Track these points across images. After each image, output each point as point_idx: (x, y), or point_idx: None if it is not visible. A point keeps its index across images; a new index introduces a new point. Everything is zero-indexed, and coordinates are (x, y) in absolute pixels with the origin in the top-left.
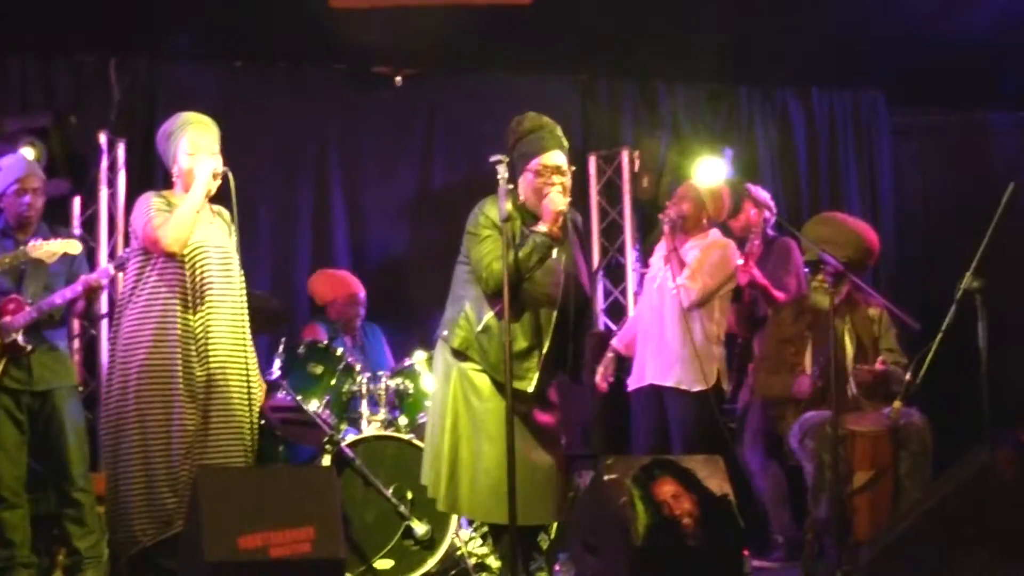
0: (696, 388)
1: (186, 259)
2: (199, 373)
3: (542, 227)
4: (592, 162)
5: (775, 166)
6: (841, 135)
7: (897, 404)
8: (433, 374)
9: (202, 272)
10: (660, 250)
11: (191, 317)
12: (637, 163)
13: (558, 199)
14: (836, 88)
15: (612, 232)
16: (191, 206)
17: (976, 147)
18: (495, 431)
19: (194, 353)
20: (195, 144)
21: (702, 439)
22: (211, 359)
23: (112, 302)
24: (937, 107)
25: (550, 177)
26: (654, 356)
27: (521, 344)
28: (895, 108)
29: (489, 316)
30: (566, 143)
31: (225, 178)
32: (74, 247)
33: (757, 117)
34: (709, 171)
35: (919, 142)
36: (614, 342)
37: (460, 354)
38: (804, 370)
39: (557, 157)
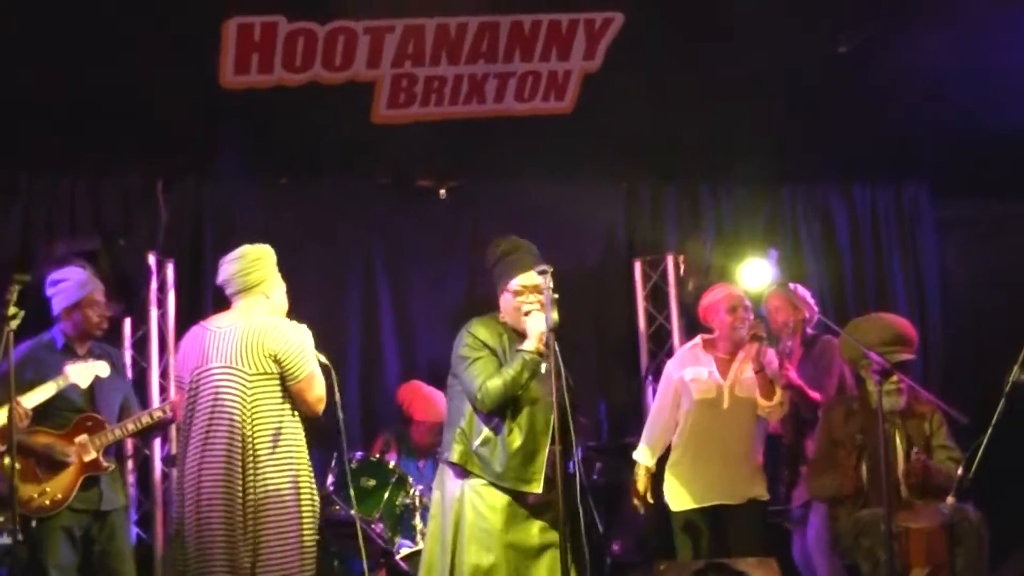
0: (767, 496)
1: None
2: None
3: (528, 345)
4: (637, 268)
5: (819, 262)
6: (884, 228)
7: (950, 500)
8: (434, 495)
9: None
10: (703, 361)
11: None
12: (682, 267)
13: (539, 320)
14: (878, 182)
15: (659, 337)
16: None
17: (1021, 238)
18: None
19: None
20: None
21: (767, 544)
22: None
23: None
24: (980, 199)
25: (527, 296)
26: (734, 471)
27: (527, 448)
28: (938, 200)
29: (487, 430)
30: (542, 263)
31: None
32: (103, 369)
33: (800, 214)
34: (754, 273)
35: (963, 234)
36: (648, 460)
37: (460, 469)
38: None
39: (534, 277)
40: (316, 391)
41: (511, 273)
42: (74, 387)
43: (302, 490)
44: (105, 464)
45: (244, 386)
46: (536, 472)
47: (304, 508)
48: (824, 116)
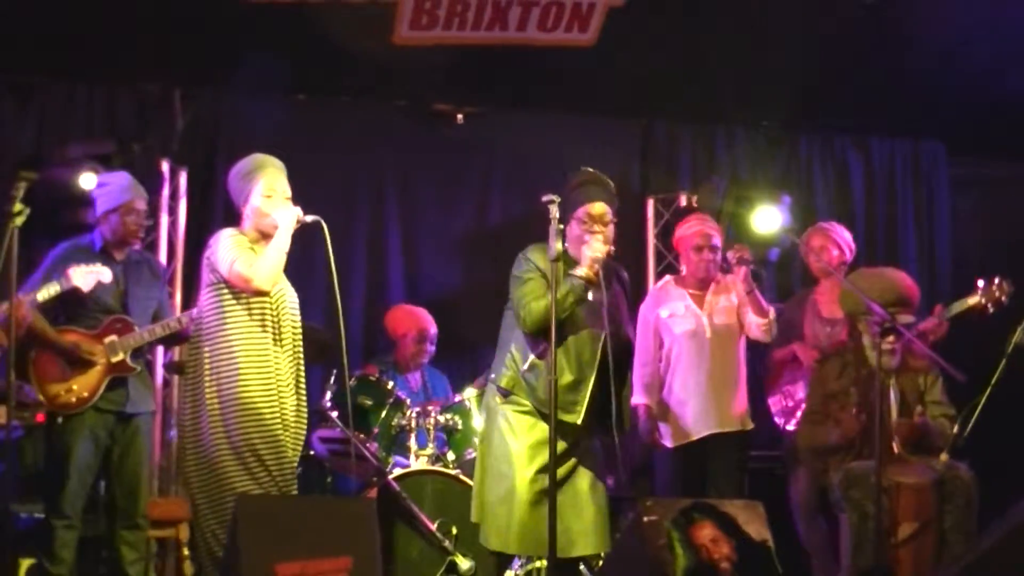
0: (751, 425)
1: (272, 296)
2: (289, 403)
3: (579, 271)
4: (650, 205)
5: (832, 214)
6: (900, 185)
7: (944, 457)
8: (482, 416)
9: (282, 309)
10: (676, 296)
11: (279, 350)
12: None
13: (597, 246)
14: (896, 138)
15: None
16: (280, 249)
17: None
18: (534, 466)
19: (285, 384)
20: (270, 187)
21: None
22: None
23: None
24: (996, 159)
25: (593, 226)
26: (723, 399)
27: (568, 378)
28: (954, 159)
29: (534, 356)
30: (615, 197)
31: (318, 226)
32: (106, 275)
33: (816, 164)
34: (767, 217)
35: (978, 194)
36: (646, 400)
37: (507, 394)
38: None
39: (601, 207)
40: (238, 271)
41: (579, 202)
42: (107, 289)
43: (227, 405)
44: (132, 365)
45: (202, 301)
46: (579, 403)
47: (219, 430)
48: (845, 68)
